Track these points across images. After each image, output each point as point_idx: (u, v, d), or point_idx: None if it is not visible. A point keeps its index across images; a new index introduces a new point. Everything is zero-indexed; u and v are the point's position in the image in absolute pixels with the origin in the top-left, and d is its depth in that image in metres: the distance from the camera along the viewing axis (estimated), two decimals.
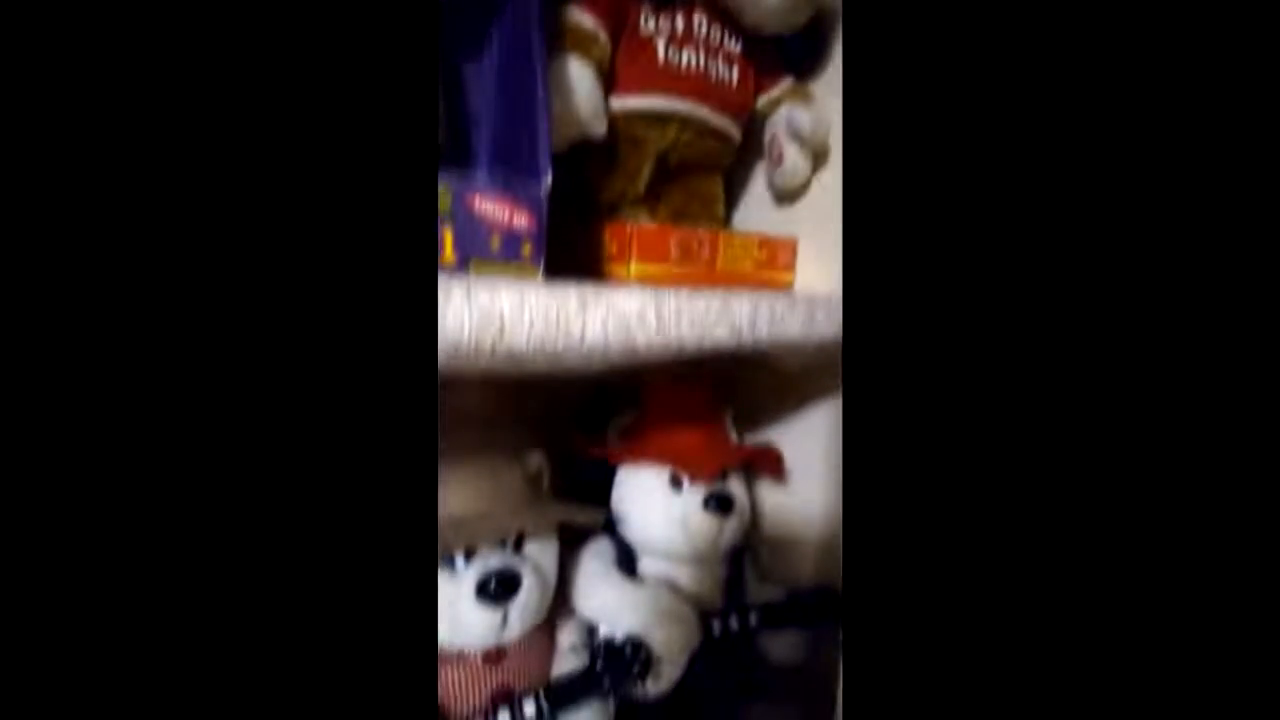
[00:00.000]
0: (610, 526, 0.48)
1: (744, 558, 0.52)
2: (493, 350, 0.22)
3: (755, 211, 0.53)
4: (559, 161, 0.33)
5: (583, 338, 0.23)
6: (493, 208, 0.32)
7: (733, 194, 0.54)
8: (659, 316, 0.26)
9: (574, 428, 0.50)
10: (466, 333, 0.21)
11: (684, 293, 0.27)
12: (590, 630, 0.45)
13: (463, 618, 0.35)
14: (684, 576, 0.46)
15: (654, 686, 0.42)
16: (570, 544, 0.45)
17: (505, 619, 0.36)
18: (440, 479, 0.38)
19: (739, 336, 0.29)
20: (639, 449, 0.46)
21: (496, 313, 0.21)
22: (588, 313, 0.23)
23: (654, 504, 0.45)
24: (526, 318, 0.22)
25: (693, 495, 0.44)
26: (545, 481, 0.43)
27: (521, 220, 0.33)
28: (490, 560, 0.37)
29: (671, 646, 0.41)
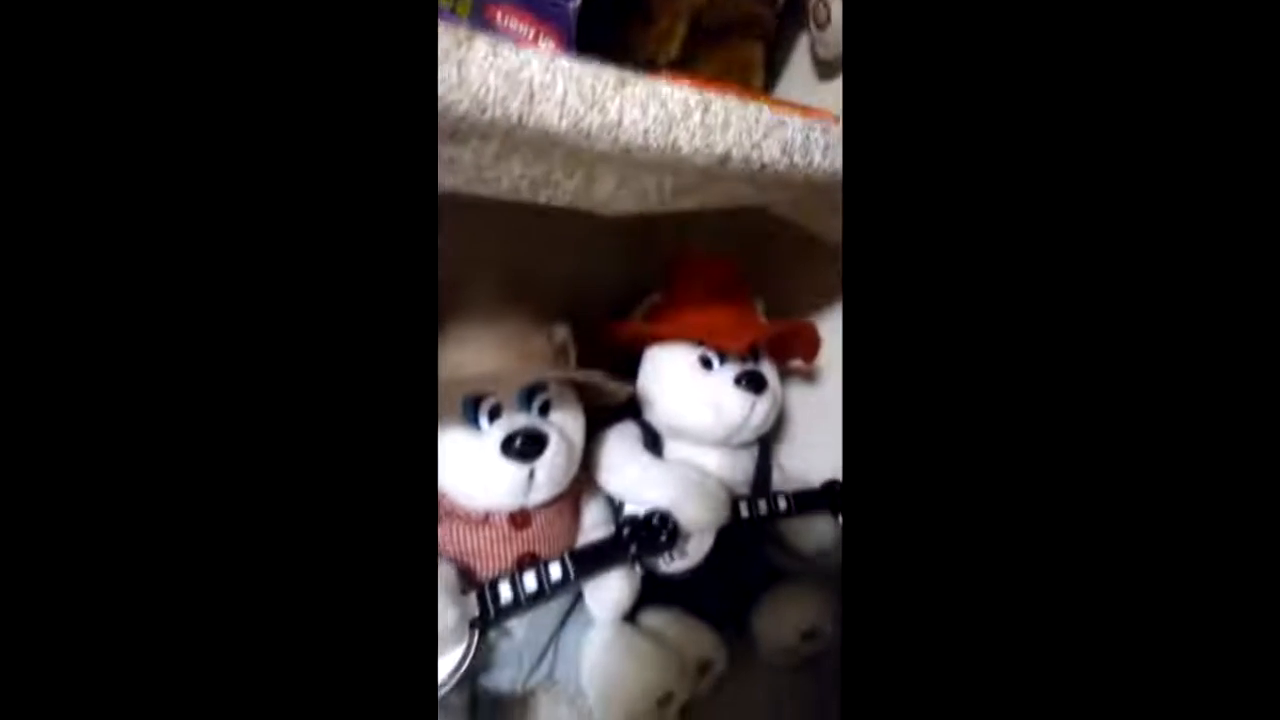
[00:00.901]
0: (636, 411, 0.47)
1: (771, 448, 0.50)
2: (520, 121, 0.19)
3: (798, 86, 0.50)
4: (587, 18, 0.30)
5: (620, 120, 0.21)
6: (516, 24, 0.29)
7: (774, 68, 0.50)
8: (705, 114, 0.23)
9: (604, 315, 0.48)
10: (490, 93, 0.19)
11: (733, 98, 0.24)
12: (617, 507, 0.44)
13: (490, 475, 0.35)
14: (711, 462, 0.45)
15: (679, 561, 0.42)
16: (596, 428, 0.44)
17: (532, 478, 0.35)
18: (468, 338, 0.36)
19: (790, 157, 0.26)
20: (668, 328, 0.44)
21: (525, 79, 0.19)
22: (626, 90, 0.21)
23: (684, 385, 0.43)
24: (559, 87, 0.20)
25: (724, 374, 0.43)
26: (571, 359, 0.42)
27: (549, 42, 0.30)
28: (516, 420, 0.36)
29: (699, 521, 0.40)
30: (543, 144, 0.21)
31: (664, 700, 0.37)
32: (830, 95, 0.47)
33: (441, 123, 0.21)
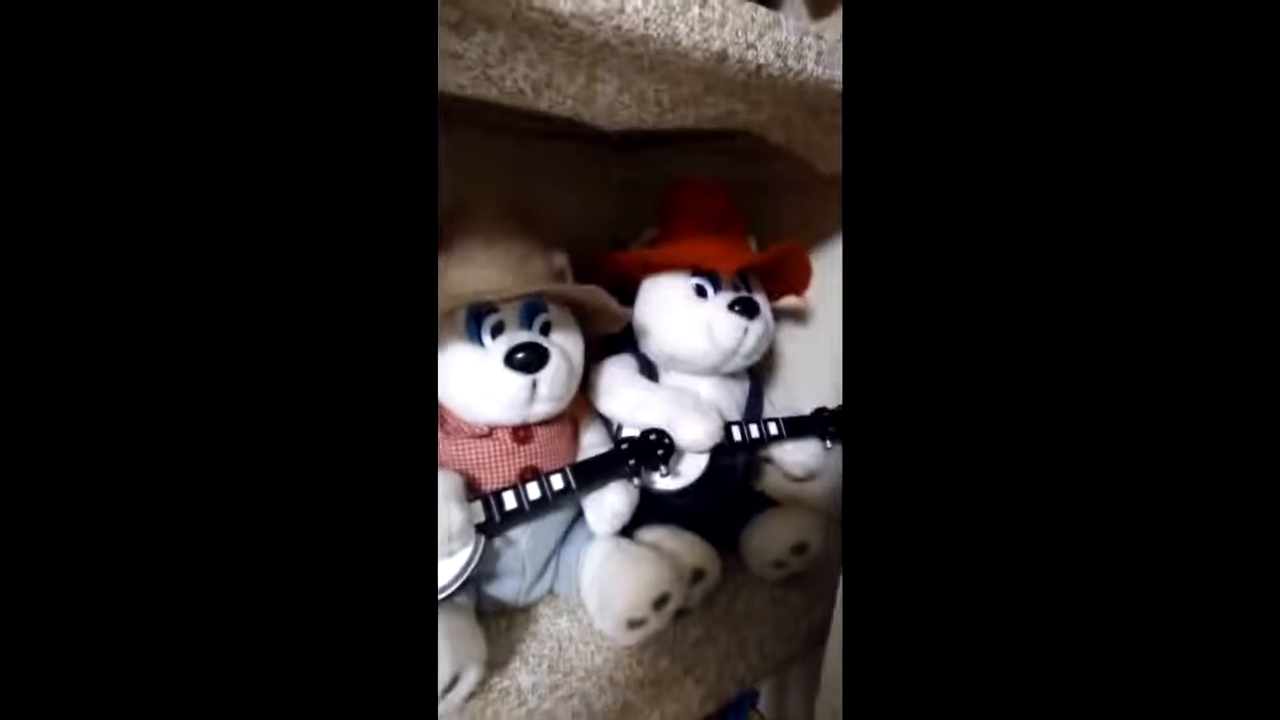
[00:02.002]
0: (633, 344, 0.48)
1: (762, 381, 0.52)
2: (527, 2, 0.20)
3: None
4: None
5: (622, 7, 0.22)
6: None
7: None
8: (704, 8, 0.24)
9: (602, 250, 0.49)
10: None
11: None
12: (614, 433, 0.46)
13: (494, 386, 0.36)
14: (705, 391, 0.47)
15: (675, 480, 0.44)
16: (593, 360, 0.46)
17: (534, 390, 0.37)
18: (472, 257, 0.37)
19: (784, 60, 0.27)
20: (663, 257, 0.46)
21: None
22: None
23: (679, 312, 0.45)
24: None
25: (718, 301, 0.44)
26: (570, 282, 0.43)
27: None
28: (518, 335, 0.37)
29: (694, 440, 0.42)
30: (547, 32, 0.22)
31: (659, 601, 0.39)
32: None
33: (447, 10, 0.21)
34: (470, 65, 0.26)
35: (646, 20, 0.23)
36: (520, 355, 0.36)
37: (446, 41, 0.24)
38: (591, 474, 0.40)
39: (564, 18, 0.22)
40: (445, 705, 0.34)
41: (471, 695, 0.35)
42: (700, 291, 0.45)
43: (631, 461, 0.40)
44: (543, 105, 0.30)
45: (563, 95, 0.29)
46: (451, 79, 0.27)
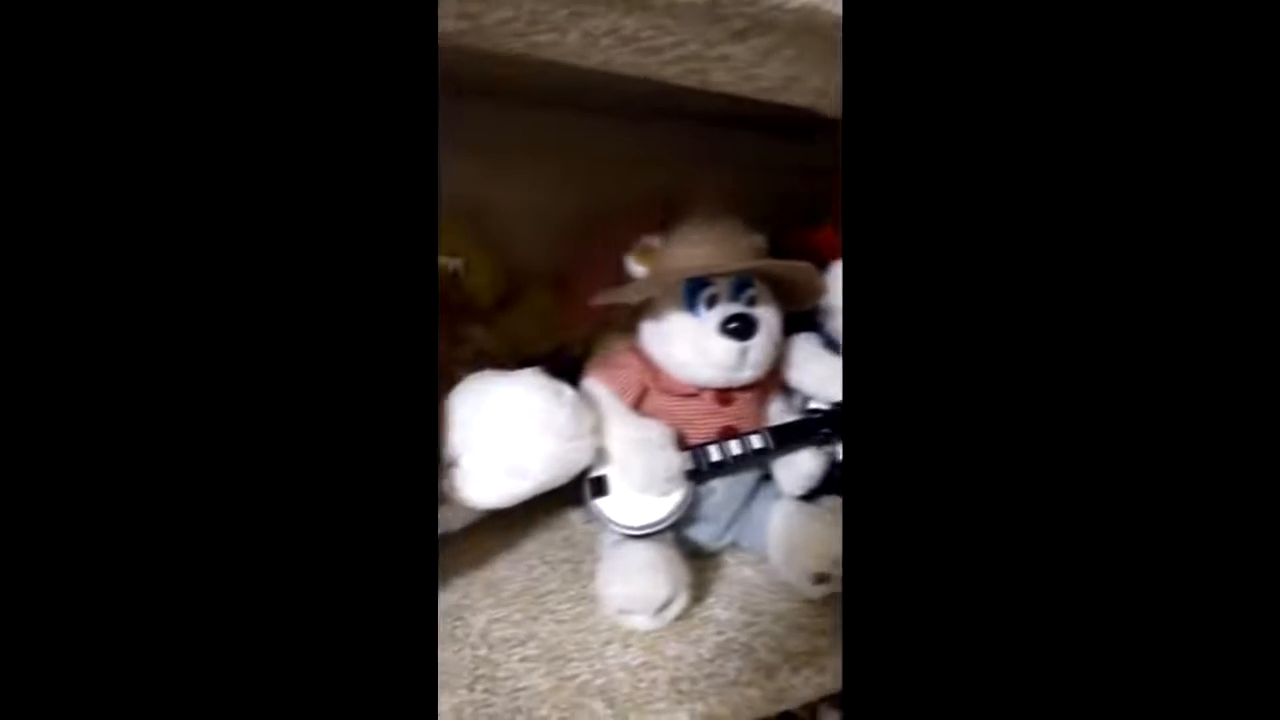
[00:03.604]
0: (816, 322, 0.51)
1: None
2: None
3: None
4: None
5: None
6: None
7: None
8: None
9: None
10: None
11: None
12: (800, 405, 0.49)
13: (710, 350, 0.41)
14: None
15: None
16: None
17: (744, 356, 0.41)
18: (690, 237, 0.42)
19: None
20: None
21: None
22: None
23: None
24: None
25: None
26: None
27: None
28: (730, 307, 0.41)
29: None
30: None
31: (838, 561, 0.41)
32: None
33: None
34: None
35: None
36: (734, 324, 0.40)
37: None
38: (788, 437, 0.43)
39: None
40: (658, 622, 0.40)
41: (678, 618, 0.41)
42: None
43: (825, 430, 0.43)
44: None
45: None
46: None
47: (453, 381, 0.38)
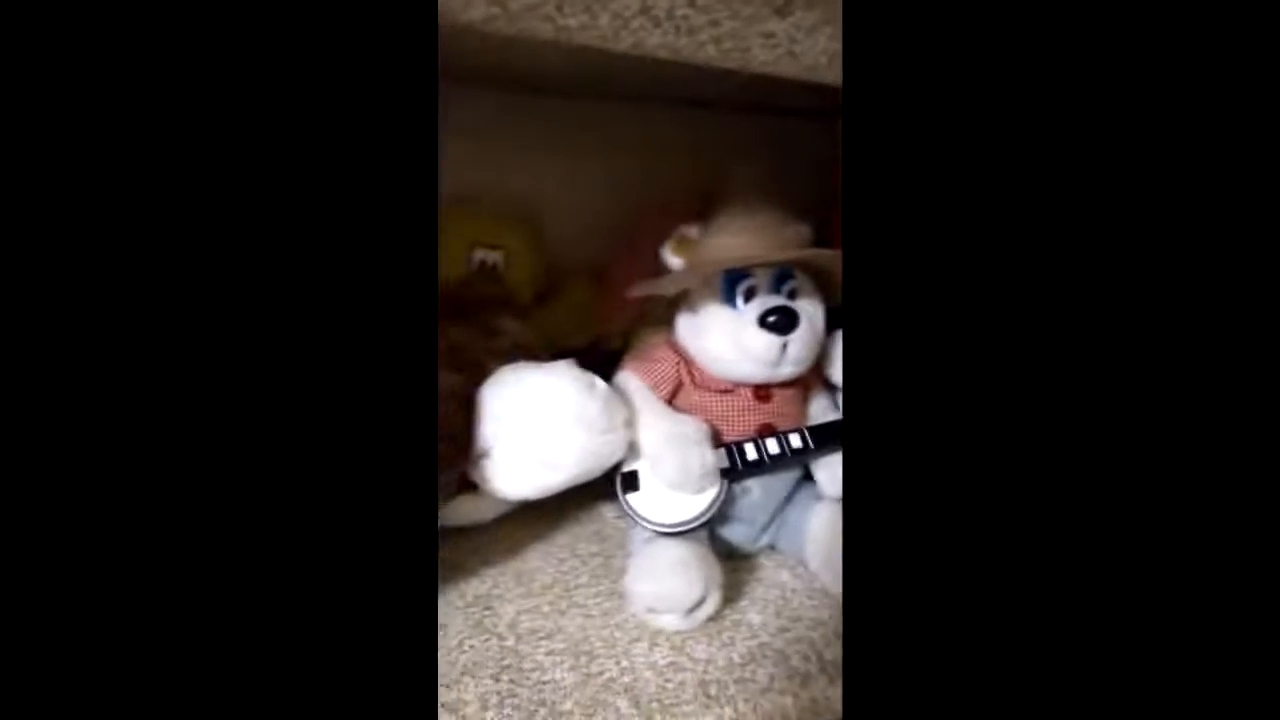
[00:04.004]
0: None
1: None
2: None
3: None
4: None
5: None
6: None
7: None
8: None
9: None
10: None
11: None
12: (843, 399, 0.47)
13: (749, 344, 0.39)
14: None
15: None
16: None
17: (784, 351, 0.39)
18: (730, 227, 0.41)
19: None
20: None
21: None
22: None
23: None
24: None
25: None
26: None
27: None
28: (770, 300, 0.40)
29: None
30: None
31: None
32: None
33: None
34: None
35: None
36: (773, 318, 0.39)
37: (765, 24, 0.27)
38: (828, 437, 0.41)
39: None
40: (689, 623, 0.39)
41: (709, 619, 0.40)
42: None
43: None
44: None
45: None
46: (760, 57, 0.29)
47: (486, 373, 0.38)
